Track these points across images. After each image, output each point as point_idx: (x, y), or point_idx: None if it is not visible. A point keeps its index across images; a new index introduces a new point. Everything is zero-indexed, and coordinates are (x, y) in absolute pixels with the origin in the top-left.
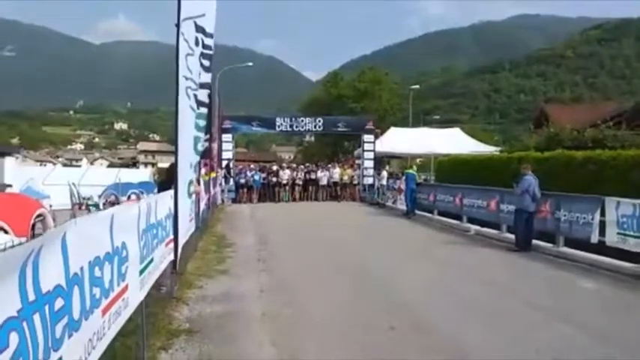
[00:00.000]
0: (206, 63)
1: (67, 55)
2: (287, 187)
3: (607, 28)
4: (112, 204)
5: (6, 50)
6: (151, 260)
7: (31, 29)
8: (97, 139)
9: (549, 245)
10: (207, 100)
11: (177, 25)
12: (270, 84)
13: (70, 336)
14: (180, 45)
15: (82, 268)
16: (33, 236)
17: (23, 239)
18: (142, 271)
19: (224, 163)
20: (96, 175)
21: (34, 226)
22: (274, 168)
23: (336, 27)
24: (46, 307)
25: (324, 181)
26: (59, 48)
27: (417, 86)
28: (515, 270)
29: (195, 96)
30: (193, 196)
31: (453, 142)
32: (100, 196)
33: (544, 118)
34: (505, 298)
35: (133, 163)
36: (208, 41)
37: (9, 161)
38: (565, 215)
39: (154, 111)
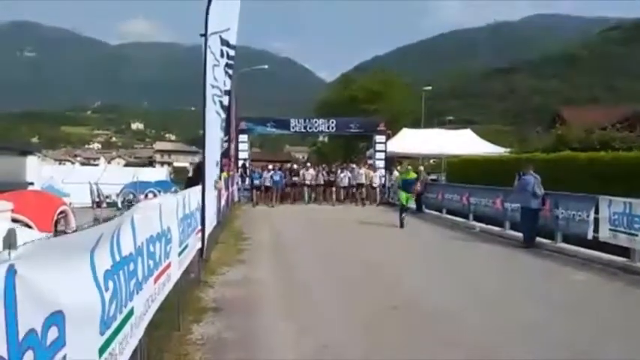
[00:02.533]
0: (230, 72)
1: (85, 56)
2: (309, 188)
3: (625, 29)
4: (130, 202)
5: (26, 51)
6: (187, 245)
7: (52, 30)
8: (114, 139)
9: (549, 241)
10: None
11: (205, 39)
12: (284, 85)
13: (138, 292)
14: (208, 57)
15: (142, 243)
16: (56, 232)
17: (45, 235)
18: (180, 253)
19: (240, 162)
20: (114, 174)
21: (56, 222)
22: (295, 167)
23: (350, 27)
24: (125, 267)
25: (344, 182)
26: (78, 49)
27: (429, 87)
28: (515, 264)
29: (221, 102)
30: (216, 191)
31: (464, 143)
32: (118, 195)
33: (560, 120)
34: (503, 286)
35: (150, 163)
36: (232, 52)
37: (31, 160)
38: (562, 213)
39: (171, 111)
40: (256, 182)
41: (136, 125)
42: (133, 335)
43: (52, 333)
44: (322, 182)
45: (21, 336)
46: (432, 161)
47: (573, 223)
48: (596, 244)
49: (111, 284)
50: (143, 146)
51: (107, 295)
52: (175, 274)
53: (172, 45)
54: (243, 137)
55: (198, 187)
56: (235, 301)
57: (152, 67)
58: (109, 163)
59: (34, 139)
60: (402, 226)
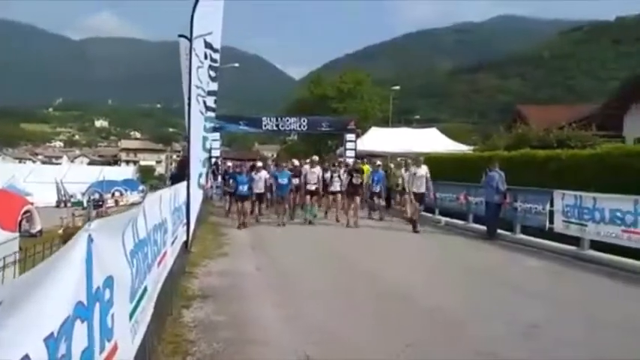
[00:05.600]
0: (212, 74)
1: (45, 51)
2: (312, 197)
3: (585, 30)
4: (96, 202)
5: None
6: (177, 236)
7: (10, 24)
8: (77, 137)
9: (509, 233)
10: (214, 106)
11: (190, 42)
12: (254, 82)
13: (149, 272)
14: (193, 59)
15: (150, 230)
16: (20, 232)
17: (10, 235)
18: (172, 243)
19: (212, 161)
20: (78, 173)
21: (20, 222)
22: (295, 163)
23: (319, 25)
24: (141, 250)
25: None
26: (38, 44)
27: (397, 87)
28: (476, 252)
29: (205, 102)
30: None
31: (430, 141)
32: (83, 194)
33: (520, 118)
34: (464, 270)
35: (115, 161)
36: (215, 55)
37: None
38: (521, 206)
39: (137, 108)
40: (242, 189)
41: (100, 123)
42: (148, 309)
43: (107, 293)
44: (338, 189)
45: (93, 289)
46: (399, 159)
47: (530, 216)
48: (552, 235)
49: (135, 262)
50: (107, 144)
51: (134, 270)
52: (170, 261)
53: (138, 41)
54: (214, 135)
55: (184, 183)
56: (220, 289)
57: (117, 63)
58: (72, 161)
59: None
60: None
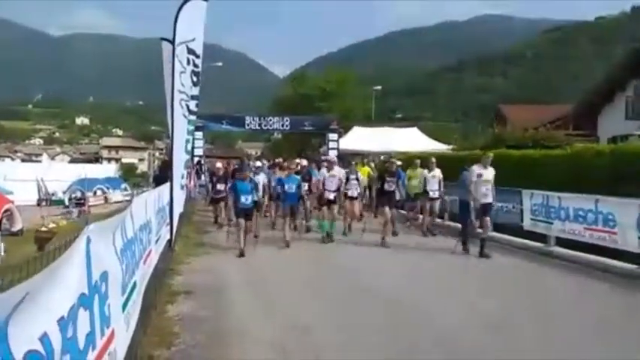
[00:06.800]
0: (195, 79)
1: (25, 47)
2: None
3: (566, 30)
4: (78, 200)
5: None
6: (160, 236)
7: None
8: (57, 134)
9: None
10: (196, 109)
11: (173, 48)
12: (237, 80)
13: (138, 268)
14: (175, 65)
15: (136, 231)
16: (1, 231)
17: None
18: (156, 242)
19: (196, 159)
20: (59, 171)
21: (0, 221)
22: (304, 162)
23: (303, 23)
24: (130, 248)
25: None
26: (17, 39)
27: (379, 87)
28: (448, 249)
29: (187, 106)
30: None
31: (411, 140)
32: (64, 192)
33: (501, 118)
34: (436, 267)
35: (96, 159)
36: (197, 61)
37: None
38: (494, 205)
39: (118, 106)
40: (245, 201)
41: (81, 120)
42: (138, 302)
43: (103, 286)
44: (355, 194)
45: (92, 282)
46: (382, 157)
47: (502, 214)
48: (523, 232)
49: (124, 259)
50: (89, 142)
51: (123, 267)
52: (155, 259)
53: (121, 38)
54: (197, 134)
55: (168, 184)
56: (203, 285)
57: (99, 60)
58: (52, 159)
59: None
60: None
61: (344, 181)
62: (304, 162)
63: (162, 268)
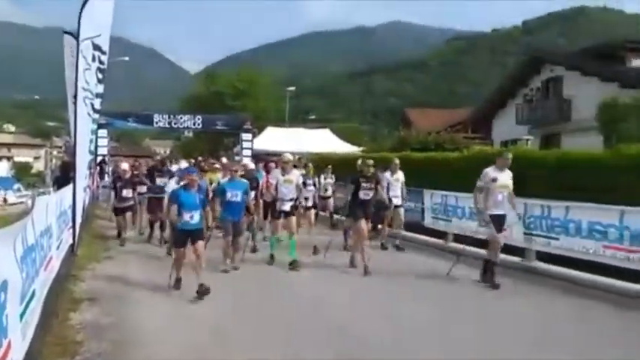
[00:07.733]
0: (100, 76)
1: None
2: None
3: (467, 40)
4: None
5: None
6: (62, 241)
7: None
8: None
9: (389, 228)
10: (100, 108)
11: (77, 44)
12: (145, 76)
13: (37, 276)
14: (80, 60)
15: (37, 237)
16: None
17: None
18: (57, 247)
19: (99, 159)
20: None
21: None
22: (250, 167)
23: (218, 18)
24: (30, 255)
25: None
26: None
27: (293, 88)
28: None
29: (92, 104)
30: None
31: (322, 141)
32: None
33: (407, 121)
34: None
35: None
36: (103, 57)
37: None
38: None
39: (11, 100)
40: (191, 220)
41: None
42: (36, 311)
43: (2, 296)
44: (310, 203)
45: None
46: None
47: (407, 213)
48: (426, 230)
49: (24, 266)
50: None
51: (23, 275)
52: (57, 265)
53: (17, 26)
54: (102, 132)
55: (70, 186)
56: (108, 292)
57: None
58: None
59: None
60: None
61: (301, 188)
62: (251, 165)
63: (64, 274)
